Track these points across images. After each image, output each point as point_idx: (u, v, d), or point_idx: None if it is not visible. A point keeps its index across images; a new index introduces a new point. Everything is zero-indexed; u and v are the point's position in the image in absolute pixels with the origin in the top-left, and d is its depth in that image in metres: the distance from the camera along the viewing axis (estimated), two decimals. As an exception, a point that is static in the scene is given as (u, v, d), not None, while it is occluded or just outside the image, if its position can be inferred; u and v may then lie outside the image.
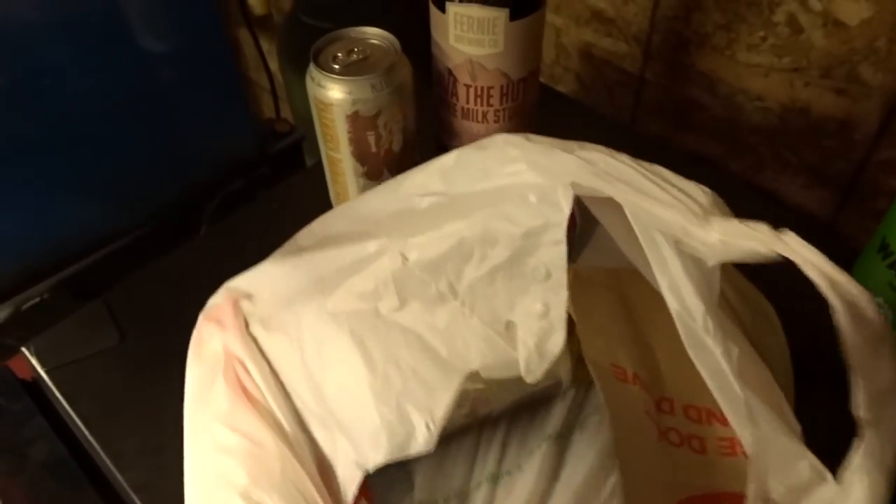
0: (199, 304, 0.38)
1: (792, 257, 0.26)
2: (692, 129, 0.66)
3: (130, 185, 0.66)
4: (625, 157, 0.32)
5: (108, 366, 0.44)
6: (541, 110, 0.56)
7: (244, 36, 1.11)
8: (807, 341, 0.37)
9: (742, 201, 0.62)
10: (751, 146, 0.62)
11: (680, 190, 0.29)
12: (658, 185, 0.30)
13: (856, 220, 0.59)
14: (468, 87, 0.45)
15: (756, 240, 0.27)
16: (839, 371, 0.26)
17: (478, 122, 0.47)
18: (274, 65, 1.05)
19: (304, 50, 0.78)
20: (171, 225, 0.67)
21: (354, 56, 0.43)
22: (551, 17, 0.70)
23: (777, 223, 0.53)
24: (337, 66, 0.42)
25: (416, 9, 0.75)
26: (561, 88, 0.75)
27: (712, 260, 0.27)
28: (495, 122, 0.47)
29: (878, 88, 0.52)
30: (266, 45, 1.12)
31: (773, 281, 0.37)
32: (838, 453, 0.26)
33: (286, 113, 1.15)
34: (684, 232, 0.28)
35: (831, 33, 0.52)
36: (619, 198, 0.29)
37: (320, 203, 0.51)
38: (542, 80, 0.76)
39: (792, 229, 0.53)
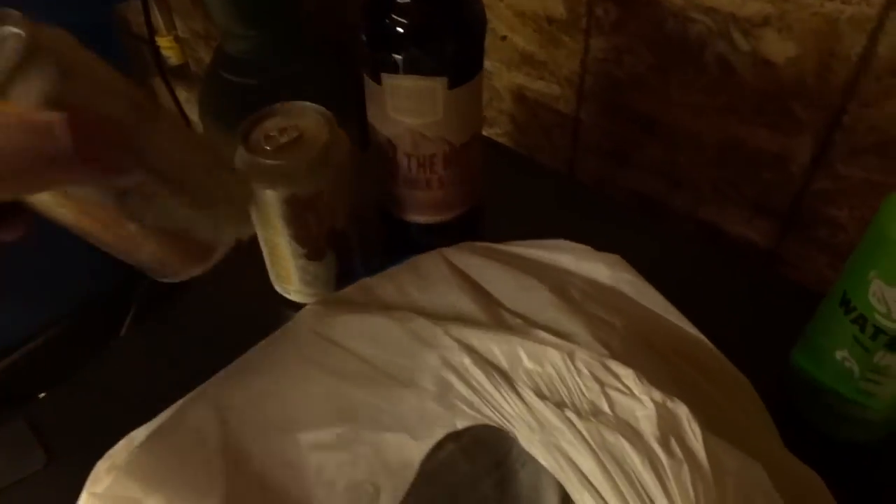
0: (133, 411, 0.34)
1: None
2: (632, 166, 0.66)
3: (44, 274, 0.60)
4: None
5: (36, 496, 0.39)
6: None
7: (159, 86, 1.06)
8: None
9: (685, 236, 0.63)
10: (691, 181, 0.62)
11: None
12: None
13: (797, 248, 0.60)
14: (409, 156, 0.43)
15: None
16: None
17: (422, 189, 0.45)
18: (193, 114, 1.01)
19: (225, 106, 0.75)
20: (94, 320, 0.62)
21: (286, 136, 0.40)
22: (481, 62, 0.69)
23: (720, 255, 0.53)
24: (269, 148, 0.40)
25: (345, 66, 0.73)
26: (496, 130, 0.74)
27: None
28: (440, 188, 0.45)
29: (809, 123, 0.53)
30: (185, 94, 1.07)
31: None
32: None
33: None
34: None
35: (761, 72, 0.53)
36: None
37: (261, 284, 0.48)
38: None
39: (734, 262, 0.54)
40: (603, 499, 0.23)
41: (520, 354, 0.27)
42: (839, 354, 0.36)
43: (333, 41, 0.73)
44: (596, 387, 0.25)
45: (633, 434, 0.24)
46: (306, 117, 0.41)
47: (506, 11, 0.64)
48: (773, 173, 0.57)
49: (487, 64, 0.69)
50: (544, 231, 0.42)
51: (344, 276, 0.45)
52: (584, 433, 0.24)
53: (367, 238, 0.47)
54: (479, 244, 0.41)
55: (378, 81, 0.41)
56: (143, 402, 0.35)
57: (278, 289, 0.47)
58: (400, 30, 0.39)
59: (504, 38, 0.66)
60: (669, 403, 0.25)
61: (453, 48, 0.39)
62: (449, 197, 0.46)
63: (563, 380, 0.26)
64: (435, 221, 0.47)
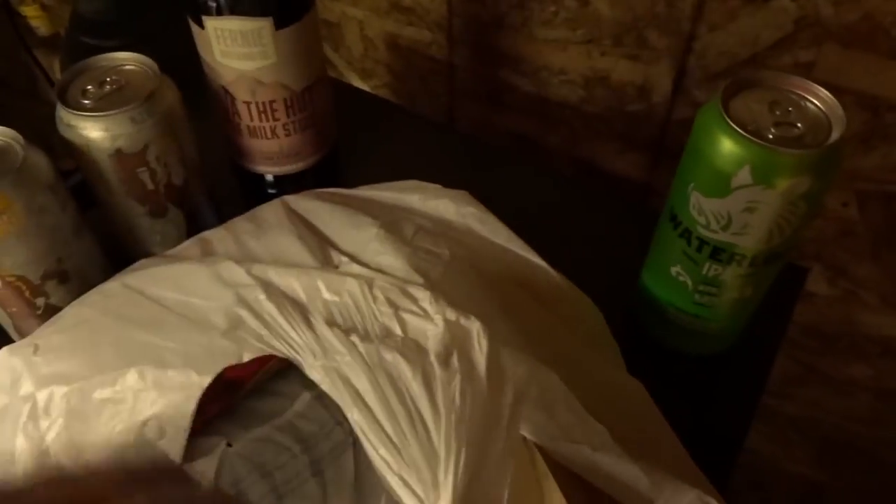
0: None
1: None
2: (508, 108, 0.65)
3: None
4: None
5: None
6: (351, 114, 0.54)
7: (29, 60, 1.00)
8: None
9: (561, 174, 0.63)
10: (563, 119, 0.63)
11: None
12: None
13: (668, 178, 0.61)
14: (248, 103, 0.41)
15: None
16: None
17: (267, 138, 0.43)
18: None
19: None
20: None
21: (108, 87, 0.38)
22: (351, 10, 0.67)
23: (596, 190, 0.54)
24: (88, 102, 0.37)
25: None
26: (375, 82, 0.73)
27: None
28: (286, 135, 0.43)
29: (666, 51, 0.53)
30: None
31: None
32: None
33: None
34: None
35: (615, 2, 0.53)
36: None
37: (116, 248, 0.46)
38: (353, 75, 0.73)
39: (610, 197, 0.54)
40: (371, 412, 0.23)
41: (319, 287, 0.27)
42: (673, 270, 0.37)
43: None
44: (390, 311, 0.25)
45: (415, 352, 0.24)
46: (128, 67, 0.39)
47: (367, -45, 0.62)
48: (639, 105, 0.58)
49: (358, 13, 0.67)
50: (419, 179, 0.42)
51: (197, 233, 0.43)
52: (364, 355, 0.24)
53: (222, 194, 0.46)
54: (324, 190, 0.40)
55: (201, 25, 0.39)
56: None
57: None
58: (216, -33, 0.37)
59: (369, -17, 0.64)
60: (463, 321, 0.25)
61: (275, -16, 0.38)
62: (297, 145, 0.44)
63: (358, 308, 0.26)
64: (287, 172, 0.46)
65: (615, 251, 0.47)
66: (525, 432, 0.24)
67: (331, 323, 0.26)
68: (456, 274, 0.30)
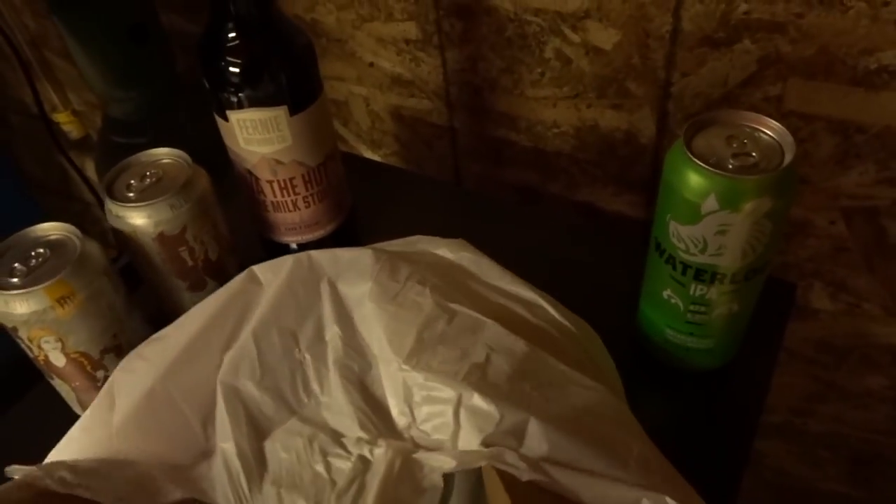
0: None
1: None
2: (509, 163, 0.70)
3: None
4: None
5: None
6: (363, 182, 0.59)
7: (66, 162, 1.08)
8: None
9: (565, 220, 0.67)
10: (561, 168, 0.67)
11: None
12: None
13: (665, 213, 0.65)
14: (271, 182, 0.46)
15: None
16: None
17: (290, 211, 0.48)
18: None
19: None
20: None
21: (148, 180, 0.43)
22: (357, 88, 0.73)
23: (597, 234, 0.57)
24: (132, 195, 0.43)
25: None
26: (384, 151, 0.78)
27: None
28: (306, 207, 0.48)
29: (645, 98, 0.58)
30: (93, 165, 1.09)
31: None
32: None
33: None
34: None
35: (594, 59, 0.58)
36: None
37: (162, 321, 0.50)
38: (363, 146, 0.79)
39: (611, 237, 0.58)
40: None
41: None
42: (665, 293, 0.40)
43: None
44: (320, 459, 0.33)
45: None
46: (165, 160, 0.45)
47: (367, 39, 0.68)
48: (627, 148, 0.62)
49: (363, 90, 0.73)
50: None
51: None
52: None
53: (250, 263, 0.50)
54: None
55: (226, 118, 0.44)
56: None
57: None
58: (235, 69, 0.42)
59: (371, 64, 0.70)
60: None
61: (287, 78, 0.43)
62: (317, 214, 0.49)
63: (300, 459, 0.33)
64: (309, 240, 0.50)
65: (618, 286, 0.50)
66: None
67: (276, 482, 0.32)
68: (431, 328, 0.34)
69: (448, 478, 0.30)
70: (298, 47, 0.44)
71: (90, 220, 1.24)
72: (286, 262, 0.39)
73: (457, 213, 0.60)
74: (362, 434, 0.33)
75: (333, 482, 0.31)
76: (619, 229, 0.68)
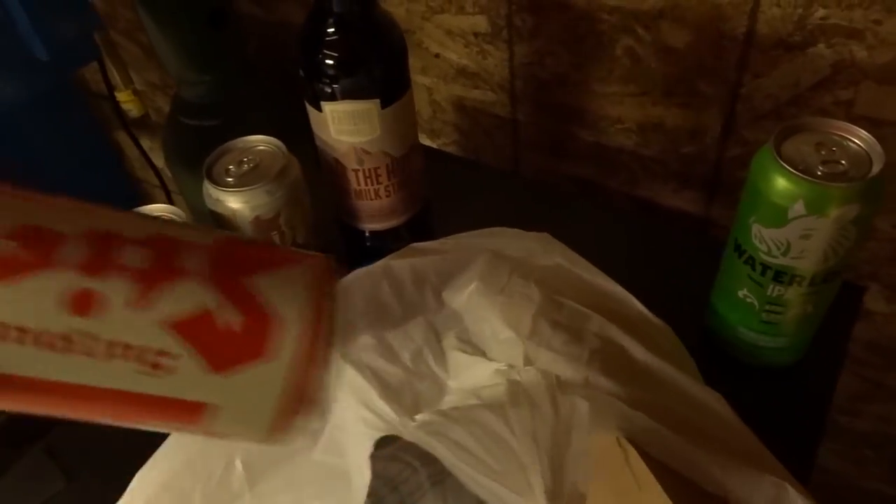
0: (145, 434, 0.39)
1: None
2: (569, 156, 0.72)
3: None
4: None
5: (59, 512, 0.44)
6: (430, 173, 0.60)
7: (123, 138, 1.11)
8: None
9: (624, 213, 0.68)
10: (622, 163, 0.68)
11: None
12: None
13: (723, 211, 0.66)
14: (356, 171, 0.48)
15: None
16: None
17: (371, 199, 0.50)
18: (160, 161, 1.06)
19: (187, 149, 0.80)
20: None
21: (245, 166, 0.45)
22: (420, 79, 0.75)
23: (657, 227, 0.58)
24: (231, 180, 0.45)
25: (292, 95, 0.78)
26: (444, 140, 0.80)
27: None
28: (387, 196, 0.50)
29: (714, 98, 0.59)
30: (148, 143, 1.12)
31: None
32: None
33: (179, 204, 1.16)
34: None
35: (665, 59, 0.59)
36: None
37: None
38: (422, 135, 0.81)
39: (671, 231, 0.59)
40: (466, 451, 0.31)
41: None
42: (741, 293, 0.42)
43: (279, 73, 0.78)
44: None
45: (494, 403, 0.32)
46: (261, 147, 0.47)
47: (435, 31, 0.70)
48: (692, 146, 0.63)
49: (426, 80, 0.75)
50: (494, 225, 0.48)
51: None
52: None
53: (330, 248, 0.53)
54: (424, 244, 0.47)
55: (319, 109, 0.46)
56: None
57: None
58: (332, 63, 0.44)
59: (437, 55, 0.71)
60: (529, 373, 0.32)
61: (381, 73, 0.45)
62: (396, 203, 0.51)
63: None
64: (387, 227, 0.52)
65: (681, 280, 0.52)
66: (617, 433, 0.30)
67: None
68: (545, 315, 0.36)
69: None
70: (394, 41, 0.46)
71: (141, 198, 1.28)
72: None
73: (515, 203, 0.62)
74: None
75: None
76: (678, 225, 0.69)
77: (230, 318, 0.22)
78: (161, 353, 0.22)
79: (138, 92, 1.09)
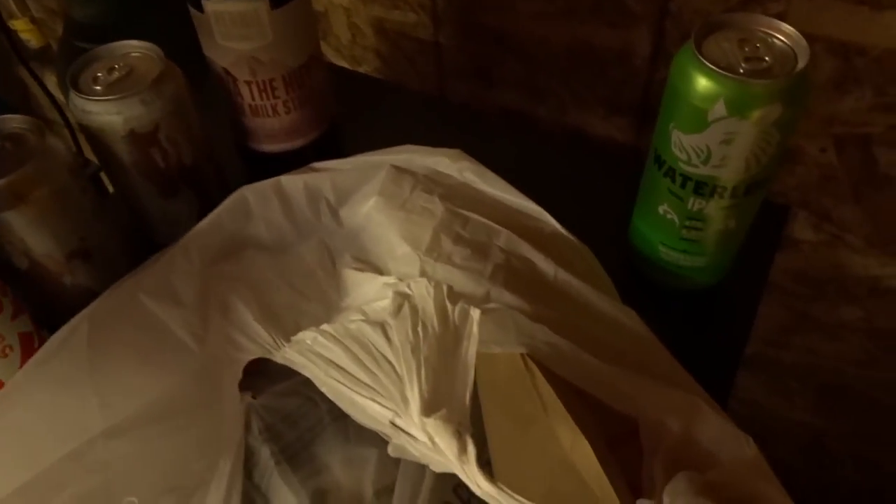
0: None
1: None
2: (496, 84, 0.68)
3: None
4: None
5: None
6: (345, 94, 0.56)
7: (26, 74, 1.02)
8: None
9: (553, 141, 0.65)
10: (550, 90, 0.65)
11: None
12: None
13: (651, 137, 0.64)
14: (249, 83, 0.44)
15: None
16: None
17: (269, 116, 0.46)
18: (60, 94, 0.98)
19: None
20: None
21: (117, 74, 0.40)
22: (337, -1, 0.69)
23: (586, 154, 0.56)
24: (99, 88, 0.39)
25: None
26: (365, 68, 0.75)
27: None
28: (286, 113, 0.46)
29: (643, 15, 0.56)
30: (54, 79, 1.03)
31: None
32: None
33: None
34: None
35: (591, -29, 0.55)
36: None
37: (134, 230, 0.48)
38: (343, 62, 0.76)
39: (600, 158, 0.57)
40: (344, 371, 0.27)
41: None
42: (661, 209, 0.39)
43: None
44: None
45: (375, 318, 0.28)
46: (135, 54, 0.41)
47: (350, -57, 0.64)
48: (621, 70, 0.60)
49: (344, 0, 0.69)
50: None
51: (206, 213, 0.46)
52: (332, 332, 0.28)
53: (226, 172, 0.48)
54: (320, 164, 0.43)
55: (201, 9, 0.41)
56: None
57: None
58: (211, -48, 0.39)
59: (353, -29, 0.66)
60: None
61: (268, -34, 0.40)
62: (298, 121, 0.46)
63: None
64: (289, 148, 0.48)
65: (606, 205, 0.49)
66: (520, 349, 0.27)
67: None
68: (447, 229, 0.32)
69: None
70: (282, -67, 0.41)
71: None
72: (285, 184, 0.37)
73: (441, 127, 0.58)
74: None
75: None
76: (607, 153, 0.66)
77: None
78: None
79: (36, 20, 1.00)
